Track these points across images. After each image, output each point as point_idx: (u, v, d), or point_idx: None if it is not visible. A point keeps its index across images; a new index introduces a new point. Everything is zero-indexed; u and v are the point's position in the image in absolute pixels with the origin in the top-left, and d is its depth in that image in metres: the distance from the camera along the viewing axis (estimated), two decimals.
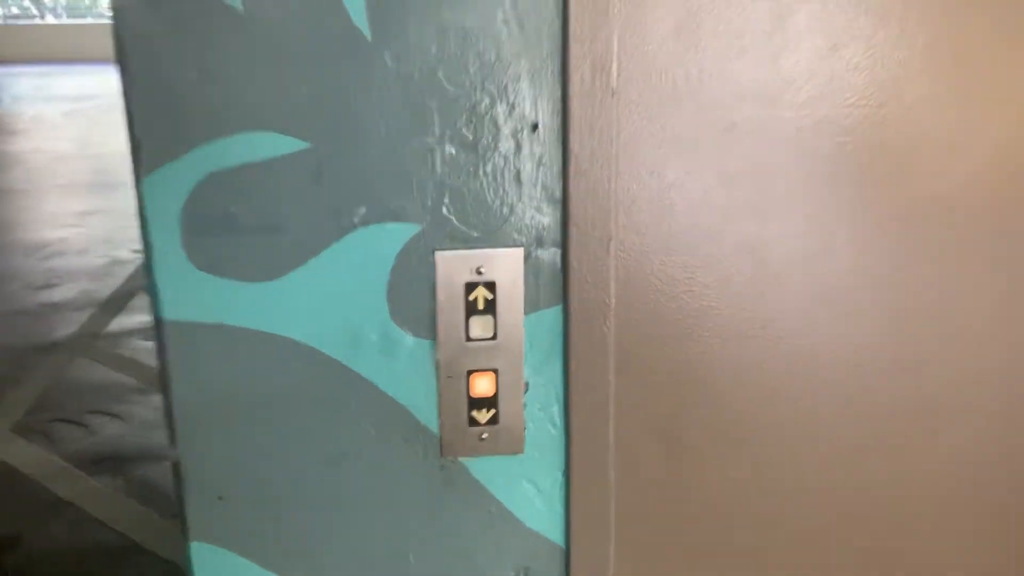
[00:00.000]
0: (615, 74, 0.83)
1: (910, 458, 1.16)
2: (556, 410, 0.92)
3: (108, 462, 3.02)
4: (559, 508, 0.95)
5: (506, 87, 0.81)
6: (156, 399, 3.55)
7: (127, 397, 3.57)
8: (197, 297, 0.84)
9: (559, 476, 0.94)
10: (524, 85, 0.81)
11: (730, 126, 0.99)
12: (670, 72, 0.93)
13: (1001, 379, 1.15)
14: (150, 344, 4.11)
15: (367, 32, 0.79)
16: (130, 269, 5.20)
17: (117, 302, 4.68)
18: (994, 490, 1.19)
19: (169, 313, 0.85)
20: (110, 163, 8.20)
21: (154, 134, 0.80)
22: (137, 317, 4.46)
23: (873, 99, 1.00)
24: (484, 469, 0.93)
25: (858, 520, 1.17)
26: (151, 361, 3.92)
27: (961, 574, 1.21)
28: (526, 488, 0.94)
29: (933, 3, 0.98)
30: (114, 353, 4.01)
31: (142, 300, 4.71)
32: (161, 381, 0.87)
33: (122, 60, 0.78)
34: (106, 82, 13.89)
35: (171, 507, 2.78)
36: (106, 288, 4.89)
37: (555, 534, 0.96)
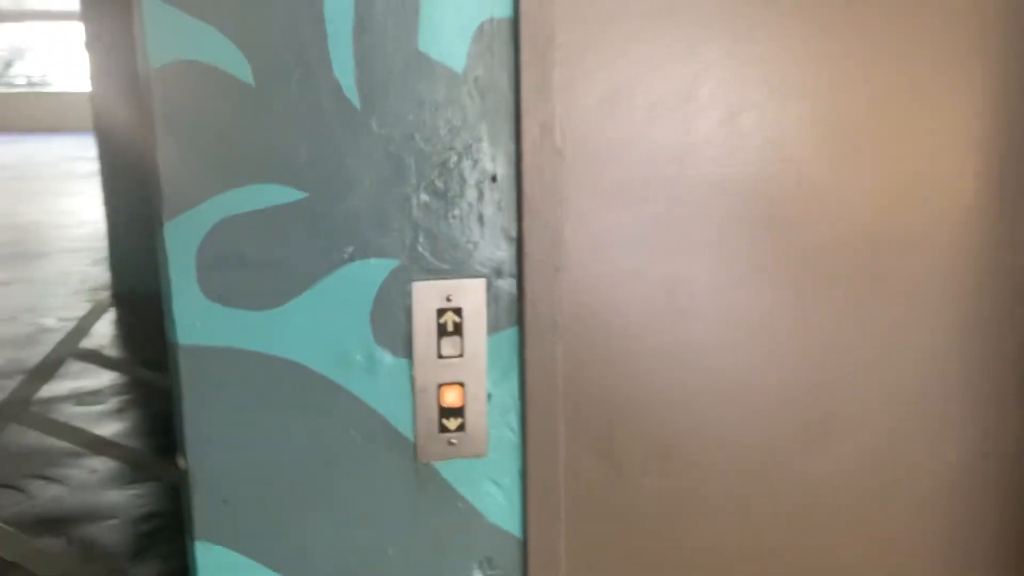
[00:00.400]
0: (558, 136, 1.02)
1: (809, 465, 1.36)
2: (514, 417, 1.08)
3: (49, 524, 3.04)
4: (517, 504, 1.11)
5: (470, 146, 0.99)
6: (92, 462, 3.57)
7: (63, 461, 3.58)
8: (208, 324, 0.99)
9: (517, 476, 1.10)
10: (485, 144, 0.99)
11: (648, 180, 1.19)
12: (600, 136, 1.13)
13: (885, 395, 1.36)
14: (83, 409, 4.13)
15: (356, 102, 0.96)
16: (58, 336, 5.19)
17: (47, 369, 4.66)
18: (882, 490, 1.39)
19: (183, 338, 0.99)
20: (25, 234, 8.13)
21: (176, 187, 0.95)
22: (68, 383, 4.46)
23: (765, 160, 1.22)
24: (452, 471, 1.08)
25: (767, 518, 1.35)
26: (85, 425, 3.94)
27: (857, 564, 1.40)
28: (488, 487, 1.10)
29: (813, 79, 1.21)
30: (47, 419, 4.01)
31: (73, 367, 4.71)
32: (174, 397, 1.01)
33: (152, 124, 0.93)
34: (15, 152, 13.72)
35: (116, 563, 2.82)
36: (34, 355, 4.87)
37: (514, 527, 1.11)
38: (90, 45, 6.12)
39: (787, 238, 1.25)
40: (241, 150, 0.95)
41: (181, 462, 1.03)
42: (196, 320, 0.99)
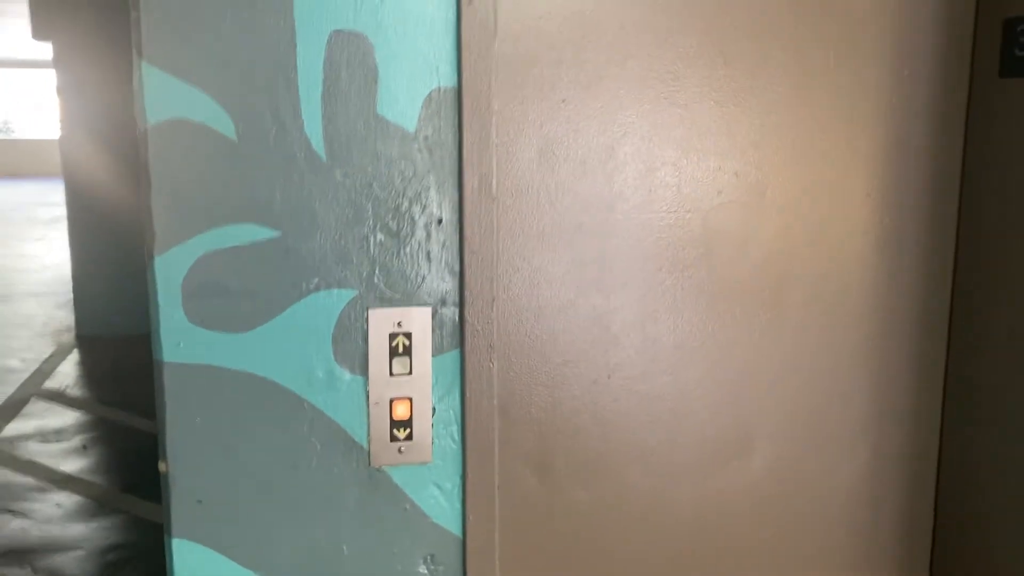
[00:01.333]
0: (495, 186, 1.19)
1: (724, 478, 1.53)
2: (455, 429, 1.24)
3: (14, 555, 3.11)
4: (458, 506, 1.26)
5: (420, 194, 1.17)
6: (58, 496, 3.65)
7: (27, 496, 3.65)
8: (190, 344, 1.14)
9: (458, 480, 1.26)
10: (432, 192, 1.17)
11: (579, 226, 1.37)
12: (534, 186, 1.31)
13: (789, 414, 1.54)
14: (47, 447, 4.19)
15: (324, 156, 1.13)
16: (23, 377, 5.25)
17: (12, 408, 4.72)
18: (788, 498, 1.56)
19: (168, 356, 1.14)
20: None
21: (166, 225, 1.11)
22: (33, 422, 4.53)
23: (680, 207, 1.40)
24: (401, 475, 1.24)
25: (685, 528, 1.52)
26: (50, 462, 4.01)
27: (765, 566, 1.57)
28: (433, 490, 1.25)
29: (722, 139, 1.40)
30: (12, 456, 4.08)
31: (37, 406, 4.77)
32: (157, 409, 1.16)
33: (147, 172, 1.10)
34: None
35: None
36: None
37: (455, 527, 1.27)
38: (61, 91, 6.25)
39: (699, 276, 1.44)
40: (223, 195, 1.12)
41: (162, 466, 1.18)
42: (180, 340, 1.14)
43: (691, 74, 1.38)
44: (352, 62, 1.11)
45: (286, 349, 1.17)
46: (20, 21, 12.09)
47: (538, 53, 1.31)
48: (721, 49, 1.38)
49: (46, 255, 9.30)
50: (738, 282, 1.47)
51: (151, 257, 1.12)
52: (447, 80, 1.14)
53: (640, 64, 1.36)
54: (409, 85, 1.13)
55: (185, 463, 1.17)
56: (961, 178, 1.51)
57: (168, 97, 1.09)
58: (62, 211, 6.40)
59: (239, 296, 1.14)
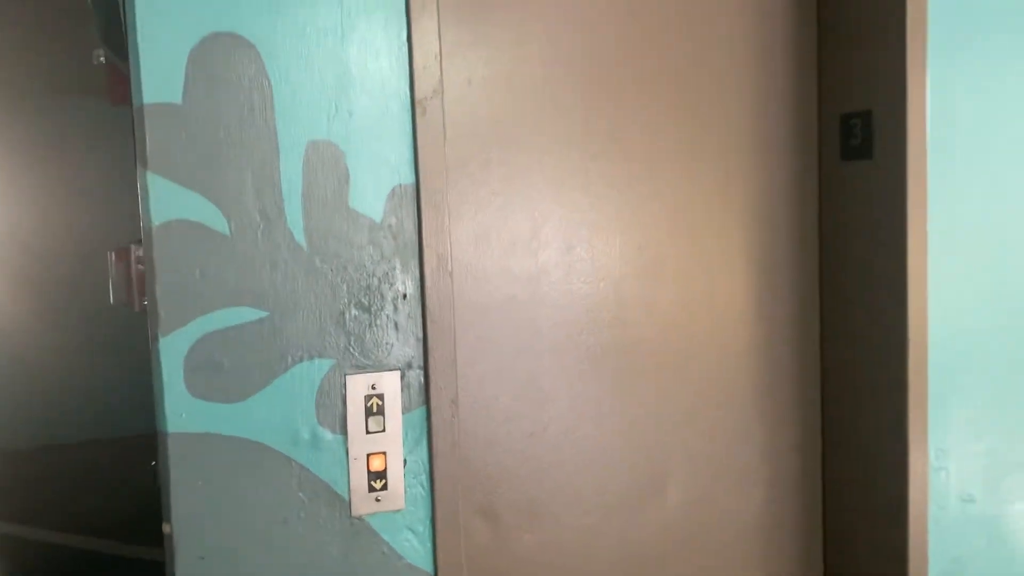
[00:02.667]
0: (450, 265, 1.41)
1: (645, 516, 1.75)
2: (424, 478, 1.43)
3: None
4: (429, 548, 1.44)
5: (387, 273, 1.37)
6: None
7: None
8: (191, 415, 1.30)
9: (428, 524, 1.43)
10: (398, 272, 1.38)
11: (512, 297, 1.60)
12: (476, 265, 1.54)
13: (698, 457, 1.78)
14: None
15: (305, 246, 1.33)
16: None
17: None
18: (701, 531, 1.79)
19: (172, 427, 1.29)
20: None
21: (170, 311, 1.28)
22: None
23: (595, 278, 1.65)
24: (379, 522, 1.40)
25: (614, 562, 1.73)
26: None
27: None
28: (407, 534, 1.42)
29: (625, 218, 1.67)
30: None
31: None
32: (161, 475, 1.30)
33: (152, 266, 1.27)
34: None
35: None
36: None
37: (428, 566, 1.43)
38: None
39: (614, 336, 1.68)
40: (219, 282, 1.30)
41: (166, 528, 1.31)
42: (182, 411, 1.29)
43: (597, 168, 1.65)
44: (326, 166, 1.33)
45: (275, 415, 1.33)
46: None
47: (473, 154, 1.56)
48: (621, 147, 1.66)
49: None
50: (646, 341, 1.73)
51: (156, 339, 1.28)
52: (407, 178, 1.37)
53: (555, 161, 1.62)
54: (375, 183, 1.35)
55: (188, 523, 1.31)
56: (819, 242, 1.82)
57: (169, 201, 1.27)
58: None
59: (234, 370, 1.31)
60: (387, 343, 1.38)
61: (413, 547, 1.42)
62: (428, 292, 1.38)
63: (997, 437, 1.80)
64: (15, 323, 5.96)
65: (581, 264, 1.66)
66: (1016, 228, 1.77)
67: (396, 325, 1.39)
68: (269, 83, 1.29)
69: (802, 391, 1.85)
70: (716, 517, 1.81)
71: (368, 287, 1.37)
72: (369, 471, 1.39)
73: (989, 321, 1.77)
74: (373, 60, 1.33)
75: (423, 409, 1.41)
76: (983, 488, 1.79)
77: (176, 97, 1.26)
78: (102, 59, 2.44)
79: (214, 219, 1.29)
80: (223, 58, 1.27)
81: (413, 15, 1.34)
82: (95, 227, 5.63)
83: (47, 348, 5.78)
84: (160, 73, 1.25)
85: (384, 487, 1.40)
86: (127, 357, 5.71)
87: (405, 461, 1.41)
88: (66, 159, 5.64)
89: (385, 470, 1.40)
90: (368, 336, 1.37)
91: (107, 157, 5.65)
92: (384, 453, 1.40)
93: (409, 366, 1.40)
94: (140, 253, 2.70)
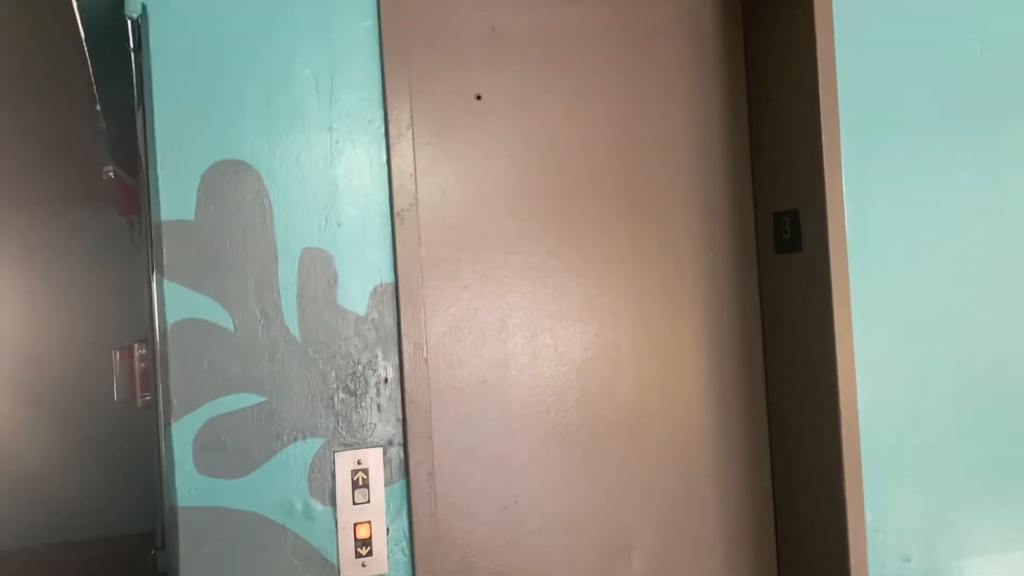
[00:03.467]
0: (426, 352, 1.61)
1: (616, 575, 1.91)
2: (405, 544, 1.60)
3: None
4: None
5: (371, 361, 1.57)
6: None
7: None
8: (199, 490, 1.48)
9: None
10: (380, 359, 1.57)
11: (483, 381, 1.80)
12: (451, 352, 1.74)
13: (661, 523, 1.95)
14: None
15: (299, 338, 1.53)
16: None
17: None
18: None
19: (182, 502, 1.47)
20: None
21: (180, 400, 1.47)
22: None
23: (559, 362, 1.85)
24: None
25: None
26: None
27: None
28: None
29: (585, 308, 1.88)
30: None
31: None
32: (171, 545, 1.47)
33: (165, 362, 1.46)
34: None
35: None
36: None
37: None
38: None
39: (578, 415, 1.88)
40: (224, 372, 1.49)
41: None
42: (191, 487, 1.47)
43: (557, 264, 1.87)
44: (318, 269, 1.54)
45: (272, 488, 1.51)
46: None
47: (446, 254, 1.77)
48: (576, 245, 1.88)
49: None
50: (607, 418, 1.92)
51: (168, 424, 1.47)
52: (387, 277, 1.58)
53: (519, 259, 1.84)
54: (360, 282, 1.56)
55: None
56: (761, 326, 2.03)
57: (182, 303, 1.47)
58: None
59: (236, 449, 1.49)
60: (371, 423, 1.57)
61: None
62: (407, 377, 1.58)
63: (930, 501, 1.98)
64: (15, 426, 6.08)
65: (545, 350, 1.86)
66: (932, 311, 1.99)
67: (379, 406, 1.58)
68: (269, 201, 1.51)
69: (751, 462, 2.03)
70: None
71: (354, 373, 1.56)
72: (356, 538, 1.56)
73: (918, 396, 1.97)
74: (358, 179, 1.56)
75: (404, 482, 1.59)
76: (918, 549, 1.96)
77: (189, 214, 1.47)
78: (111, 174, 2.67)
79: (220, 317, 1.49)
80: (230, 180, 1.49)
81: (391, 140, 1.57)
82: (97, 329, 5.83)
83: (45, 449, 5.90)
84: (176, 194, 1.47)
85: (369, 553, 1.57)
86: (121, 459, 5.85)
87: (388, 529, 1.58)
88: (68, 265, 5.88)
89: (370, 537, 1.57)
90: (354, 417, 1.56)
91: (104, 264, 5.88)
92: (369, 522, 1.57)
93: (391, 443, 1.58)
94: (143, 351, 2.89)
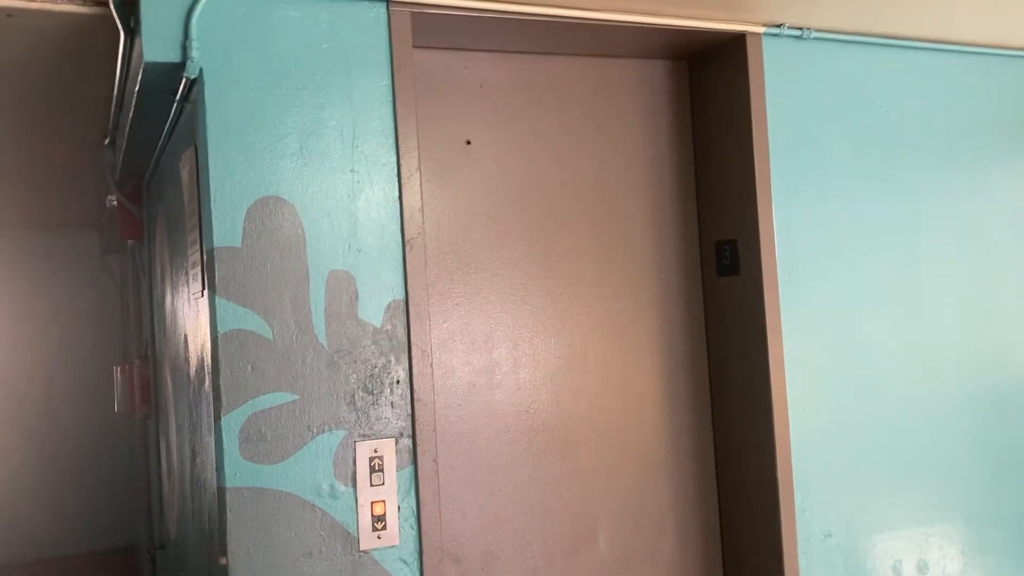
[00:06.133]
0: (431, 358, 1.91)
1: (585, 552, 2.22)
2: (413, 521, 1.89)
3: None
4: (418, 574, 1.89)
5: (385, 365, 1.87)
6: None
7: None
8: (243, 474, 1.75)
9: (416, 556, 1.89)
10: (393, 364, 1.87)
11: (472, 384, 2.11)
12: (446, 359, 2.05)
13: (623, 511, 2.27)
14: None
15: (326, 345, 1.82)
16: None
17: None
18: (629, 565, 2.27)
19: (229, 483, 1.74)
20: None
21: (229, 397, 1.75)
22: None
23: (536, 368, 2.17)
24: (380, 555, 1.86)
25: None
26: None
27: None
28: (400, 564, 1.87)
29: (557, 321, 2.20)
30: None
31: None
32: (219, 520, 1.74)
33: (216, 364, 1.74)
34: None
35: None
36: None
37: None
38: None
39: (551, 415, 2.19)
40: (264, 374, 1.78)
41: (222, 560, 1.74)
42: (236, 471, 1.75)
43: (535, 284, 2.19)
44: (342, 288, 1.84)
45: (304, 472, 1.80)
46: None
47: (440, 275, 2.08)
48: (550, 268, 2.21)
49: None
50: (577, 416, 2.24)
51: (218, 418, 1.75)
52: (399, 294, 1.88)
53: (503, 279, 2.16)
54: (377, 299, 1.86)
55: (239, 556, 1.74)
56: (707, 338, 2.38)
57: (230, 316, 1.76)
58: None
59: (274, 439, 1.78)
60: (385, 417, 1.87)
61: (404, 574, 1.87)
62: (415, 379, 1.88)
63: (849, 486, 2.33)
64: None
65: (525, 358, 2.18)
66: (851, 323, 2.36)
67: (392, 404, 1.87)
68: (302, 230, 1.81)
69: (699, 455, 2.37)
70: (639, 559, 2.29)
71: (371, 376, 1.86)
72: (373, 515, 1.85)
73: (839, 396, 2.33)
74: (375, 212, 1.87)
75: (412, 467, 1.89)
76: (838, 526, 2.31)
77: (236, 242, 1.76)
78: (114, 203, 2.92)
79: (262, 328, 1.78)
80: (270, 213, 1.79)
81: (403, 180, 1.88)
82: (97, 347, 5.99)
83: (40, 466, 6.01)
84: (226, 225, 1.75)
85: (384, 527, 1.86)
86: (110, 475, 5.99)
87: (399, 507, 1.87)
88: (64, 288, 6.06)
89: (384, 514, 1.86)
90: (372, 412, 1.86)
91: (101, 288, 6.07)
92: (384, 501, 1.86)
93: (401, 435, 1.88)
94: (141, 367, 3.13)
